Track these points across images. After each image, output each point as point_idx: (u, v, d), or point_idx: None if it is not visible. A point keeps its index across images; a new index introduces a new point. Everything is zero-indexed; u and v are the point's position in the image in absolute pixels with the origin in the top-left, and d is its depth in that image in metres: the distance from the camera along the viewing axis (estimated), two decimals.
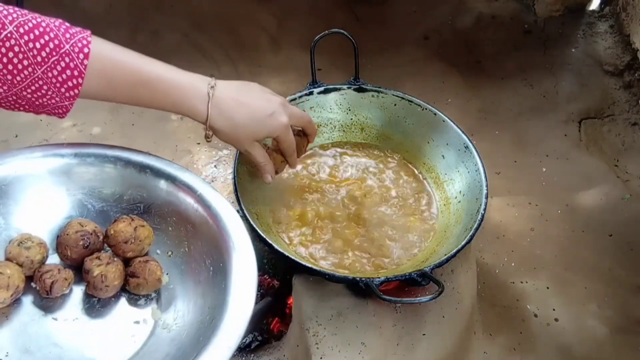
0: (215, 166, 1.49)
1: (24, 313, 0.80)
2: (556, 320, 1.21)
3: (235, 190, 0.97)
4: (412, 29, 1.97)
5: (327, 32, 1.10)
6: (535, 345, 1.16)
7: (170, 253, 0.88)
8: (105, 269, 0.81)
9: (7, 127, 1.49)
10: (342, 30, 1.10)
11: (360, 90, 1.15)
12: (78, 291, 0.83)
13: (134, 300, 0.84)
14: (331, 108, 1.16)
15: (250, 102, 0.86)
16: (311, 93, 1.13)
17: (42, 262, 0.83)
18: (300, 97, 1.13)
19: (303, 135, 0.99)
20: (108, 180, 0.89)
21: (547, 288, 1.26)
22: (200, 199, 0.86)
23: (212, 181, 1.45)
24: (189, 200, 0.87)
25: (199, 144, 1.55)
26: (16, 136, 1.48)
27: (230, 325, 0.73)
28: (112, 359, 0.78)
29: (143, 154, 0.90)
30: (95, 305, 0.82)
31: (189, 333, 0.78)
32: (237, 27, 1.92)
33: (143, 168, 0.88)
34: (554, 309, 1.22)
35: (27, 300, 0.81)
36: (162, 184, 0.88)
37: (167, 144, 1.54)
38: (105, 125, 1.57)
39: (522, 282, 1.27)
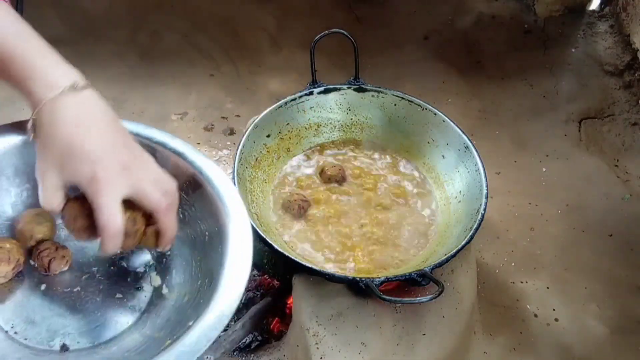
0: None
1: (27, 286, 0.81)
2: (556, 320, 1.21)
3: None
4: (412, 29, 1.97)
5: (327, 32, 1.10)
6: (535, 345, 1.16)
7: None
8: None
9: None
10: (342, 30, 1.10)
11: (360, 90, 1.15)
12: (78, 263, 0.84)
13: (132, 268, 0.85)
14: (331, 108, 1.16)
15: (88, 130, 0.67)
16: (311, 93, 1.14)
17: (43, 240, 0.83)
18: (300, 97, 1.13)
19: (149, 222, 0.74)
20: None
21: (547, 288, 1.26)
22: (191, 165, 0.86)
23: None
24: (180, 167, 0.86)
25: (199, 144, 1.55)
26: None
27: (229, 287, 0.73)
28: (114, 325, 0.79)
29: (132, 123, 0.89)
30: (96, 275, 0.84)
31: (189, 297, 0.79)
32: (237, 27, 1.92)
33: (133, 136, 0.89)
34: (554, 309, 1.22)
35: (29, 274, 0.82)
36: (154, 150, 0.87)
37: None
38: None
39: (522, 282, 1.27)
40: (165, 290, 0.83)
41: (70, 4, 1.89)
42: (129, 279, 0.84)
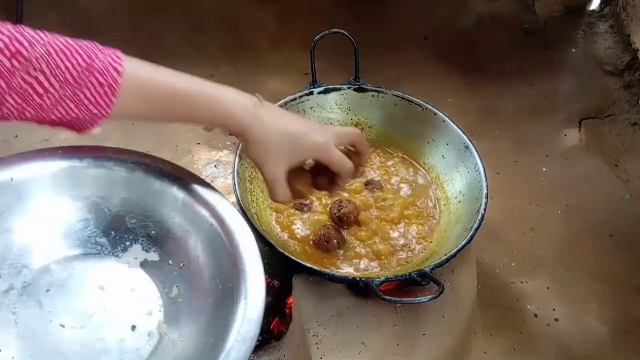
0: (215, 166, 1.49)
1: (32, 317, 0.80)
2: (556, 320, 1.21)
3: (235, 191, 0.97)
4: (412, 29, 1.97)
5: (327, 32, 1.10)
6: (535, 345, 1.16)
7: (182, 264, 0.87)
8: None
9: (8, 127, 1.49)
10: (342, 30, 1.10)
11: (360, 90, 1.15)
12: (88, 297, 0.84)
13: (141, 311, 0.83)
14: (331, 108, 1.16)
15: (289, 121, 0.82)
16: (311, 93, 1.13)
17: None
18: (300, 97, 1.13)
19: (354, 154, 0.89)
20: (125, 186, 0.89)
21: (547, 288, 1.26)
22: (215, 214, 0.85)
23: (212, 181, 1.45)
24: (204, 214, 0.85)
25: (199, 144, 1.55)
26: (16, 136, 1.47)
27: (232, 354, 0.71)
28: None
29: (162, 161, 0.90)
30: (103, 314, 0.82)
31: (192, 353, 0.78)
32: (237, 27, 1.92)
33: (161, 176, 0.88)
34: (554, 309, 1.22)
35: (36, 305, 0.81)
36: (179, 193, 0.87)
37: (167, 144, 1.54)
38: (106, 125, 1.56)
39: (522, 282, 1.27)
40: (170, 341, 0.80)
41: (70, 4, 1.89)
42: (136, 323, 0.82)
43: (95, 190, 0.89)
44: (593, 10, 2.01)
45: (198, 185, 0.88)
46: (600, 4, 2.00)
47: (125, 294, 0.85)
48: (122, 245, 0.89)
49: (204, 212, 0.86)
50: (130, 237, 0.89)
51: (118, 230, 0.89)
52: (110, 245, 0.89)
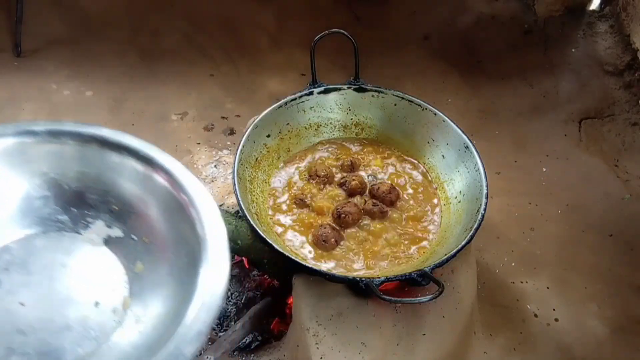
0: (215, 166, 1.49)
1: None
2: (556, 320, 1.21)
3: (235, 191, 0.97)
4: (412, 29, 1.97)
5: (327, 32, 1.10)
6: (535, 345, 1.16)
7: (145, 239, 0.84)
8: None
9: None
10: (342, 30, 1.10)
11: (360, 90, 1.15)
12: (49, 275, 0.81)
13: (104, 286, 0.81)
14: (331, 108, 1.16)
15: None
16: (311, 93, 1.14)
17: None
18: (300, 97, 1.13)
19: None
20: (83, 160, 0.86)
21: (547, 288, 1.26)
22: (176, 184, 0.82)
23: (212, 181, 1.45)
24: (165, 185, 0.83)
25: (199, 144, 1.55)
26: None
27: (191, 327, 0.68)
28: (76, 350, 0.74)
29: (120, 133, 0.86)
30: (65, 290, 0.80)
31: (155, 326, 0.76)
32: (237, 27, 1.92)
33: (120, 149, 0.85)
34: (554, 309, 1.22)
35: None
36: (139, 166, 0.84)
37: (167, 144, 1.54)
38: (105, 125, 1.57)
39: (522, 282, 1.27)
40: (134, 316, 0.78)
41: (70, 4, 1.89)
42: (100, 298, 0.79)
43: (52, 166, 0.85)
44: (593, 10, 2.01)
45: (157, 155, 0.84)
46: (600, 4, 2.00)
47: (89, 271, 0.83)
48: (84, 222, 0.86)
49: (165, 184, 0.83)
50: (92, 214, 0.86)
51: (79, 207, 0.86)
52: (72, 222, 0.86)
